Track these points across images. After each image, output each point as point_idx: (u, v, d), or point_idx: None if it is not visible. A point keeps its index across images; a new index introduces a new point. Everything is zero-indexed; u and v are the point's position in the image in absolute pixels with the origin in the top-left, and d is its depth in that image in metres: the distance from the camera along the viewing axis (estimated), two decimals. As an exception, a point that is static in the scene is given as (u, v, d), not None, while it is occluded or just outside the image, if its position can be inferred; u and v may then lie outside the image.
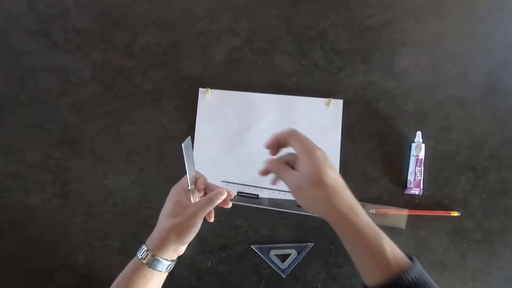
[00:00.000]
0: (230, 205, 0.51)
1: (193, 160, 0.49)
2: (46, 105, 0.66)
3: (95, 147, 0.65)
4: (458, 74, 0.69)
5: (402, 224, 0.64)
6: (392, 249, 0.41)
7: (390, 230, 0.65)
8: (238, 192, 0.56)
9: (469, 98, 0.68)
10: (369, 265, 0.41)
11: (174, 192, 0.50)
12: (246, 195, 0.56)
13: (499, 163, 0.67)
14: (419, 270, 0.40)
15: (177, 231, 0.47)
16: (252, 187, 0.56)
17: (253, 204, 0.56)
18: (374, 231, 0.41)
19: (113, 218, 0.65)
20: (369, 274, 0.41)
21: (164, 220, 0.48)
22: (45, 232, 0.64)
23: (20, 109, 0.66)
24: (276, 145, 0.47)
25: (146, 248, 0.47)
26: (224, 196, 0.49)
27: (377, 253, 0.40)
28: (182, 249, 0.51)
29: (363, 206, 0.45)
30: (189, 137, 0.49)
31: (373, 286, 0.40)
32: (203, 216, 0.48)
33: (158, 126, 0.66)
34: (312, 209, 0.43)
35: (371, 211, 0.65)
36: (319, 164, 0.42)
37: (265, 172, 0.48)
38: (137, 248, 0.48)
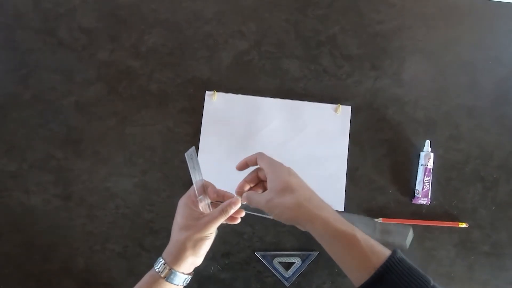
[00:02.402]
0: (238, 221, 0.51)
1: (199, 169, 0.49)
2: (50, 105, 0.65)
3: (99, 148, 0.64)
4: (468, 83, 0.68)
5: (406, 242, 0.63)
6: (366, 241, 0.41)
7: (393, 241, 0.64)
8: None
9: (479, 107, 0.67)
10: (348, 261, 0.42)
11: (183, 204, 0.49)
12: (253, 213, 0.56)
13: (508, 174, 0.66)
14: (399, 258, 0.39)
15: (192, 244, 0.46)
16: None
17: (258, 213, 0.56)
18: (346, 225, 0.43)
19: (115, 221, 0.63)
20: (351, 271, 0.42)
21: (177, 233, 0.47)
22: (45, 234, 0.63)
23: (23, 108, 0.65)
24: (244, 165, 0.51)
25: (163, 261, 0.46)
26: (238, 206, 0.48)
27: (352, 245, 0.41)
28: (198, 261, 0.49)
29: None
30: (193, 147, 0.48)
31: (360, 285, 0.40)
32: (216, 227, 0.48)
33: (163, 128, 0.65)
34: (284, 215, 0.45)
35: (377, 220, 0.64)
36: (284, 174, 0.46)
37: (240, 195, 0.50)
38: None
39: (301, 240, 0.64)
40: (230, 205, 0.47)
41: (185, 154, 0.47)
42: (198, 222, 0.47)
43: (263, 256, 0.63)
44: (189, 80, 0.66)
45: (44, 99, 0.65)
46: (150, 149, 0.65)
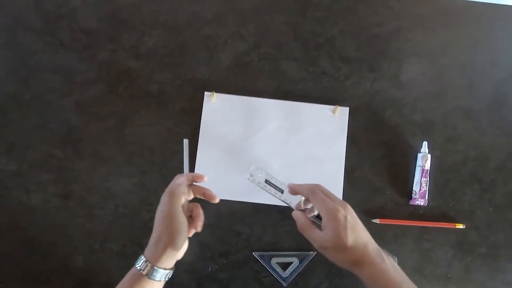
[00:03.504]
0: (217, 200, 0.52)
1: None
2: (51, 105, 0.65)
3: (98, 148, 0.65)
4: (466, 85, 0.68)
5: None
6: None
7: (395, 241, 0.64)
8: (266, 180, 0.56)
9: (477, 109, 0.67)
10: None
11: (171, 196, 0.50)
12: (273, 185, 0.56)
13: (506, 176, 0.66)
14: None
15: (171, 238, 0.47)
16: (279, 181, 0.57)
17: (278, 196, 0.56)
18: (396, 276, 0.45)
19: (114, 220, 0.64)
20: None
21: (156, 229, 0.48)
22: (44, 233, 0.63)
23: (24, 107, 0.65)
24: (294, 192, 0.51)
25: (144, 258, 0.47)
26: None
27: None
28: (179, 255, 0.50)
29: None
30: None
31: None
32: (180, 210, 0.48)
33: (162, 129, 0.66)
34: (338, 264, 0.47)
35: (374, 220, 0.64)
36: (339, 228, 0.45)
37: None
38: (137, 252, 0.48)
39: (299, 241, 0.64)
40: (200, 221, 0.51)
41: (184, 140, 0.49)
42: (167, 214, 0.48)
43: (261, 256, 0.63)
44: (188, 81, 0.67)
45: (45, 99, 0.65)
46: (149, 149, 0.65)
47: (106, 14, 0.67)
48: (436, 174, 0.65)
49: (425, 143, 0.65)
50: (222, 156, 0.65)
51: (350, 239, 0.44)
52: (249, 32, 0.68)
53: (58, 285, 0.63)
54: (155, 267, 0.46)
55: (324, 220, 0.46)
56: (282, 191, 0.56)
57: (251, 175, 0.57)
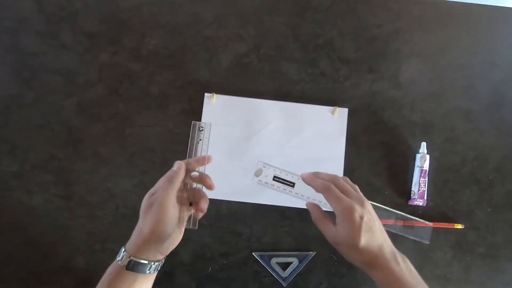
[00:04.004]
0: (213, 187, 0.48)
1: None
2: (52, 106, 0.66)
3: (99, 149, 0.65)
4: (465, 86, 0.68)
5: (427, 239, 0.63)
6: None
7: (394, 241, 0.64)
8: (274, 177, 0.51)
9: (475, 110, 0.68)
10: None
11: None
12: (282, 181, 0.51)
13: (504, 176, 0.66)
14: None
15: (153, 228, 0.43)
16: (289, 174, 0.51)
17: (288, 193, 0.51)
18: (416, 280, 0.43)
19: (114, 221, 0.64)
20: None
21: (140, 217, 0.46)
22: (45, 233, 0.64)
23: (26, 109, 0.66)
24: (307, 183, 0.47)
25: (124, 249, 0.44)
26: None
27: None
28: (168, 247, 0.47)
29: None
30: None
31: None
32: (170, 199, 0.44)
33: (162, 129, 0.66)
34: (349, 261, 0.45)
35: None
36: (354, 229, 0.42)
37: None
38: (118, 252, 0.46)
39: (299, 241, 0.65)
40: (205, 203, 0.47)
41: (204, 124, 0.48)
42: (154, 202, 0.44)
43: (260, 256, 0.64)
44: (188, 82, 0.67)
45: (47, 100, 0.66)
46: (149, 150, 0.66)
47: (107, 16, 0.68)
48: (435, 175, 0.66)
49: (423, 144, 0.65)
50: (222, 157, 0.65)
51: (363, 241, 0.42)
52: (249, 34, 0.68)
53: (59, 285, 0.63)
54: (132, 258, 0.43)
55: (338, 219, 0.43)
56: (293, 185, 0.51)
57: (256, 176, 0.51)
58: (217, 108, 0.66)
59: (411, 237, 0.63)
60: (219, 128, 0.66)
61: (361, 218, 0.42)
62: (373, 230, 0.43)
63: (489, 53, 0.69)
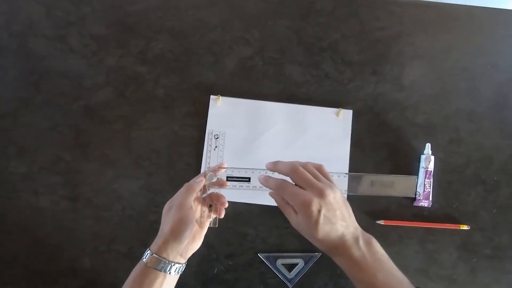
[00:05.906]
0: (227, 185, 0.52)
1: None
2: (60, 109, 0.67)
3: (106, 151, 0.66)
4: (468, 88, 0.69)
5: (411, 192, 0.59)
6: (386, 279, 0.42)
7: (399, 243, 0.65)
8: (227, 177, 0.52)
9: (479, 112, 0.68)
10: None
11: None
12: (236, 179, 0.52)
13: (509, 177, 0.67)
14: None
15: (172, 228, 0.47)
16: (242, 170, 0.52)
17: (245, 188, 0.52)
18: (379, 263, 0.43)
19: (121, 222, 0.65)
20: None
21: (162, 220, 0.50)
22: (52, 234, 0.64)
23: (34, 111, 0.67)
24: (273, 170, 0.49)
25: (148, 249, 0.48)
26: (198, 180, 0.50)
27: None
28: (186, 251, 0.49)
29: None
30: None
31: None
32: (187, 201, 0.48)
33: (168, 132, 0.67)
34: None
35: (378, 222, 0.65)
36: (311, 222, 0.42)
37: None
38: (143, 253, 0.49)
39: (304, 242, 0.64)
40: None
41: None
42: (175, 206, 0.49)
43: (266, 258, 0.64)
44: (194, 85, 0.68)
45: (54, 103, 0.67)
46: (155, 152, 0.66)
47: (114, 20, 0.69)
48: (440, 176, 0.66)
49: (428, 145, 0.66)
50: (227, 158, 0.66)
51: (321, 234, 0.43)
52: (253, 37, 0.69)
53: (65, 286, 0.63)
54: (156, 256, 0.46)
55: (297, 212, 0.44)
56: (249, 179, 0.52)
57: (209, 182, 0.52)
58: (222, 110, 0.67)
59: (394, 195, 0.57)
60: (225, 129, 0.67)
61: (319, 211, 0.42)
62: (332, 221, 0.43)
63: (491, 55, 0.70)
